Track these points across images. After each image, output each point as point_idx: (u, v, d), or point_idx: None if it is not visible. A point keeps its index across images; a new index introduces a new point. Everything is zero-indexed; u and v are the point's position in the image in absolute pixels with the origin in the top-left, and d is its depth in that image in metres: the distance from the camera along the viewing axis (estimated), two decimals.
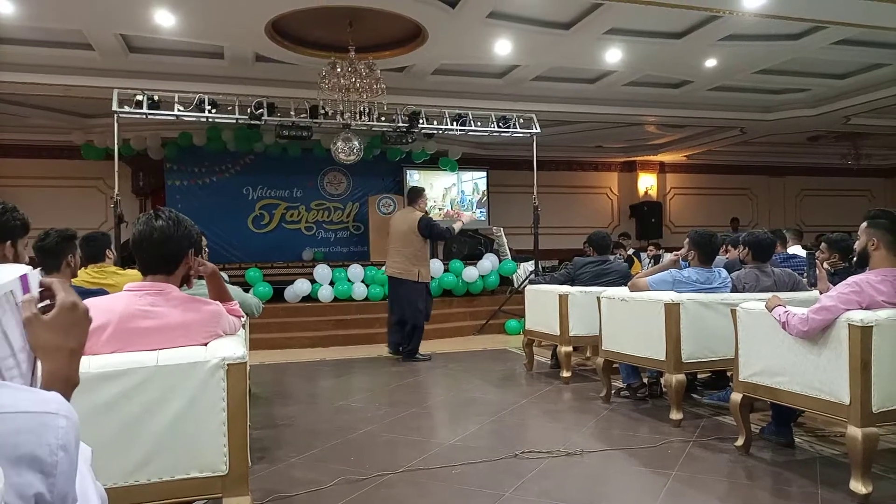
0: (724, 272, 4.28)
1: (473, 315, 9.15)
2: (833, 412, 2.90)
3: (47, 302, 0.97)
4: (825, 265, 4.19)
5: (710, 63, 8.22)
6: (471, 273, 9.42)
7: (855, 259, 3.30)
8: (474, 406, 4.74)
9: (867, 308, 2.84)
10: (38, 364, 0.95)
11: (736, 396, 3.43)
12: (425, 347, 7.02)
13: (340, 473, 3.16)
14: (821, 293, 3.51)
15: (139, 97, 7.18)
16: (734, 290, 4.15)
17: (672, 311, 3.92)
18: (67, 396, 0.93)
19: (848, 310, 2.85)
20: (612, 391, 4.68)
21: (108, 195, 10.00)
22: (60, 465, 0.76)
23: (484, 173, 12.14)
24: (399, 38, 7.42)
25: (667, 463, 3.29)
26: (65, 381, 0.95)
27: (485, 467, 3.27)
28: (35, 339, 0.93)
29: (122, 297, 2.03)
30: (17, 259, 1.95)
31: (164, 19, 6.45)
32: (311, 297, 8.86)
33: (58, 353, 0.94)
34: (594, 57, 7.94)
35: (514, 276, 9.88)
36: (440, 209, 11.79)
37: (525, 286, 6.78)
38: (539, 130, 8.82)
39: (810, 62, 8.28)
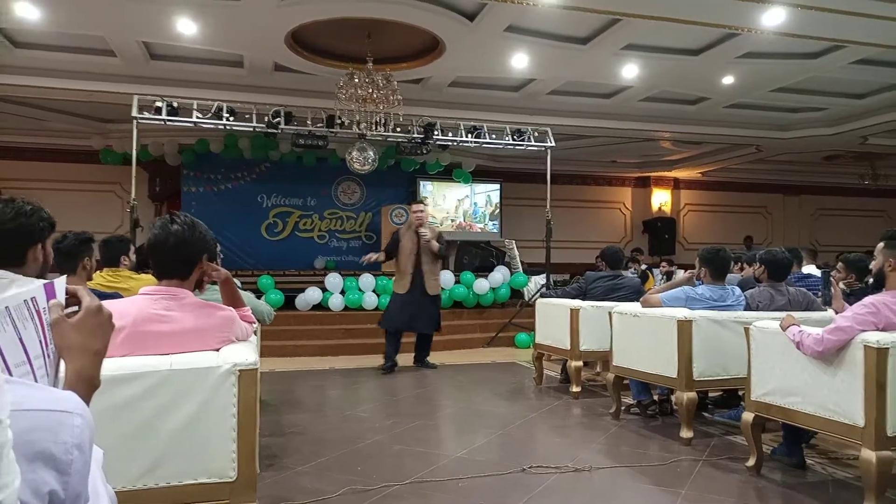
0: (738, 290, 4.25)
1: (483, 327, 9.14)
2: (847, 434, 2.87)
3: (74, 308, 1.00)
4: (841, 285, 4.15)
5: (728, 80, 8.20)
6: (482, 285, 9.41)
7: (871, 280, 3.26)
8: (483, 419, 4.72)
9: (883, 329, 2.81)
10: (62, 366, 0.98)
11: (748, 416, 3.40)
12: (434, 358, 7.02)
13: (347, 483, 3.16)
14: (836, 312, 3.48)
15: (159, 104, 7.27)
16: (748, 308, 4.12)
17: (684, 328, 3.90)
18: (89, 398, 0.95)
19: (864, 331, 2.82)
20: (622, 407, 4.65)
21: (125, 200, 10.13)
22: (75, 463, 0.77)
23: (497, 185, 12.16)
24: (417, 50, 7.48)
25: (676, 482, 3.26)
26: (88, 382, 0.97)
27: (492, 481, 3.25)
28: (62, 339, 0.95)
29: (137, 300, 2.05)
30: (45, 259, 1.97)
31: (186, 27, 6.54)
32: (322, 306, 8.89)
33: (83, 353, 0.97)
34: (610, 72, 7.96)
35: (525, 289, 9.86)
36: (452, 220, 11.81)
37: (536, 299, 6.77)
38: (553, 144, 8.83)
39: (828, 81, 8.24)
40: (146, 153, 9.72)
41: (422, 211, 6.68)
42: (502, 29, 6.65)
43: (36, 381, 0.92)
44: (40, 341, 0.93)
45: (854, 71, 7.72)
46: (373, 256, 6.75)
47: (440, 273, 6.83)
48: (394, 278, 6.82)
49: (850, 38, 6.58)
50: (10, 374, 0.88)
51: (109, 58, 7.44)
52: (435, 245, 6.55)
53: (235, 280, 2.62)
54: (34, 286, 0.94)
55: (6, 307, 0.89)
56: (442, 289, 7.19)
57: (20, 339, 0.90)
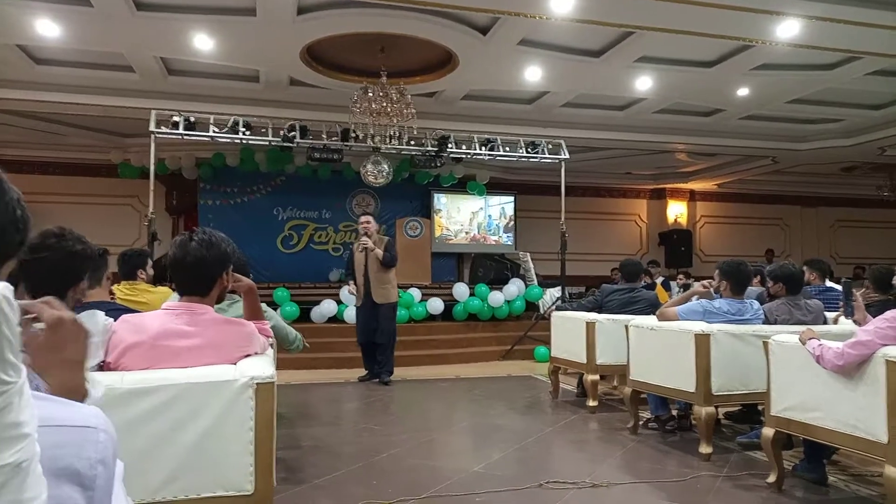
0: (757, 304, 4.21)
1: (499, 340, 9.11)
2: (870, 451, 2.82)
3: (41, 325, 0.96)
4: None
5: (743, 92, 8.17)
6: (496, 298, 9.40)
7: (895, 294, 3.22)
8: (499, 433, 4.69)
9: None
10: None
11: (768, 431, 3.35)
12: (450, 371, 7.02)
13: (363, 497, 3.14)
14: (858, 324, 3.44)
15: (176, 118, 7.36)
16: (766, 322, 4.08)
17: (702, 341, 3.86)
18: None
19: (885, 345, 2.78)
20: (640, 422, 4.60)
21: (143, 213, 10.22)
22: (99, 478, 0.78)
23: (511, 198, 12.16)
24: (430, 63, 7.53)
25: (695, 498, 3.22)
26: (70, 393, 0.95)
27: (508, 496, 3.22)
28: (36, 360, 0.93)
29: (159, 315, 2.07)
30: (83, 293, 1.99)
31: (203, 43, 6.63)
32: (337, 318, 8.91)
33: (60, 367, 0.95)
34: (624, 84, 7.96)
35: (539, 301, 9.82)
36: (466, 233, 11.81)
37: (551, 312, 6.74)
38: (567, 156, 8.83)
39: (844, 92, 8.19)
40: (163, 167, 9.83)
41: (368, 222, 6.81)
42: (516, 42, 6.68)
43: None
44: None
45: (870, 82, 7.67)
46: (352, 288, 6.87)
47: (391, 282, 6.74)
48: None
49: (866, 50, 6.54)
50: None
51: (128, 73, 7.56)
52: (379, 253, 6.58)
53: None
54: None
55: None
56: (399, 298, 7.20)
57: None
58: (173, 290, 3.46)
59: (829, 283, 5.32)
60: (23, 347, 0.90)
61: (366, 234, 6.71)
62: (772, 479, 3.33)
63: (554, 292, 9.55)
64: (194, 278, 2.12)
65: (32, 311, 0.97)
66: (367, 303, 6.64)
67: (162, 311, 2.08)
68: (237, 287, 2.34)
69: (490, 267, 10.90)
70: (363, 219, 6.89)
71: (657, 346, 4.25)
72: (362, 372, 6.92)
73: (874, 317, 3.11)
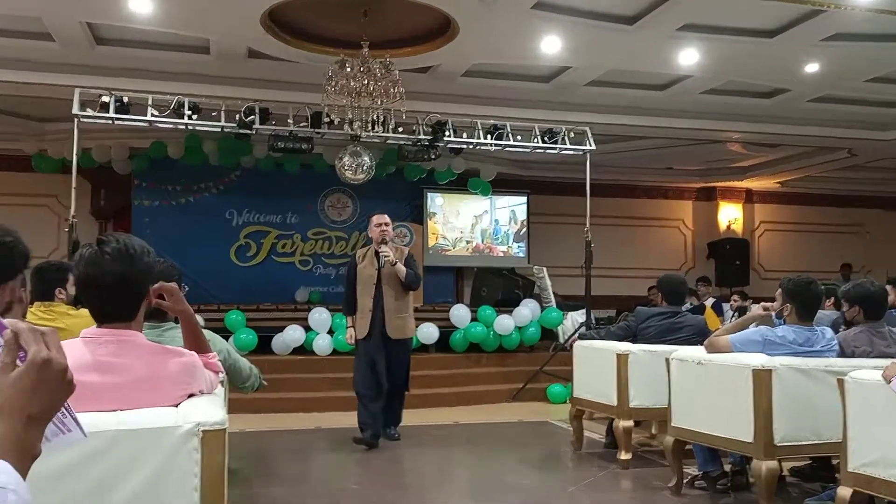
0: (830, 332, 4.23)
1: (507, 377, 9.11)
2: None
3: (23, 353, 0.97)
4: None
5: (811, 68, 8.23)
6: (505, 324, 9.39)
7: None
8: (507, 495, 4.69)
9: None
10: None
11: (844, 492, 3.35)
12: (446, 415, 6.99)
13: None
14: None
15: (105, 98, 7.38)
16: (841, 354, 4.09)
17: (762, 378, 3.87)
18: (23, 467, 0.93)
19: None
20: (685, 480, 4.60)
21: (63, 216, 10.22)
22: None
23: (524, 199, 12.21)
24: (423, 31, 7.57)
25: None
26: (17, 450, 0.94)
27: None
28: None
29: (76, 345, 2.03)
30: (18, 297, 2.00)
31: (140, 6, 6.65)
32: (304, 349, 8.89)
33: (15, 414, 0.94)
34: (664, 58, 8.00)
35: (559, 328, 9.83)
36: (468, 242, 11.83)
37: (573, 342, 6.74)
38: (594, 147, 8.87)
39: None
40: (89, 159, 9.83)
41: (387, 224, 6.13)
42: (529, 6, 6.72)
43: None
44: None
45: None
46: (350, 332, 6.25)
47: (409, 309, 6.25)
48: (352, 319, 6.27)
49: None
50: None
51: (45, 42, 7.57)
52: (402, 270, 5.97)
53: (198, 317, 2.62)
54: None
55: None
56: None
57: None
58: None
59: None
60: None
61: (384, 240, 6.04)
62: None
63: (576, 316, 9.56)
64: (117, 301, 2.06)
65: (22, 340, 0.96)
66: (377, 337, 5.99)
67: (80, 340, 2.06)
68: (168, 308, 2.33)
69: (497, 285, 10.91)
70: (379, 220, 6.15)
71: (706, 384, 4.26)
72: (335, 415, 6.84)
73: None
